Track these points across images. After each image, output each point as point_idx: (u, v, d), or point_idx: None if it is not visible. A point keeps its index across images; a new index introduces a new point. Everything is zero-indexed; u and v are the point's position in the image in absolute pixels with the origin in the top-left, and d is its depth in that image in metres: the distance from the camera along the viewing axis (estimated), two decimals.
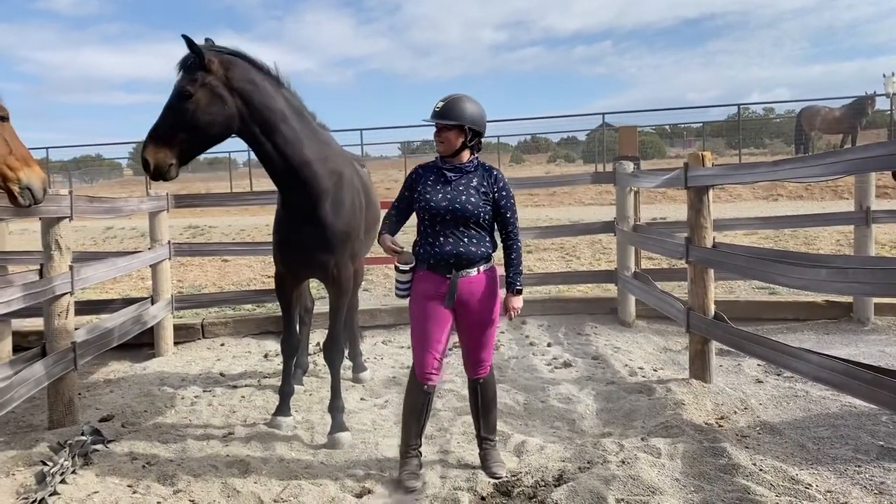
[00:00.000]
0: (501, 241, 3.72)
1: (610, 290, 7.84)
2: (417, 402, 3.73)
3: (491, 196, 3.62)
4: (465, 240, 3.58)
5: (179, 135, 3.88)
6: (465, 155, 3.65)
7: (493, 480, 3.67)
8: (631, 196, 7.32)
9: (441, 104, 3.58)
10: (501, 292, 3.72)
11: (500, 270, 3.73)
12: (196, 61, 3.90)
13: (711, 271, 5.13)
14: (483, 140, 3.77)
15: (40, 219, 4.72)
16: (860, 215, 6.87)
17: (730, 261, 4.85)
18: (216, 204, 8.73)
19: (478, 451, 3.91)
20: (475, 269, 3.62)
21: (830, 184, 16.65)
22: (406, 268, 3.65)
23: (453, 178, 3.62)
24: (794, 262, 4.30)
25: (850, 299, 6.85)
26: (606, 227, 7.69)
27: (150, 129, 3.91)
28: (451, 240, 3.57)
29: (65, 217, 4.80)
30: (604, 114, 24.17)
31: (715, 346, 5.17)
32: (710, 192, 5.14)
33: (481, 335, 3.71)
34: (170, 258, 6.93)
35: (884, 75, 20.31)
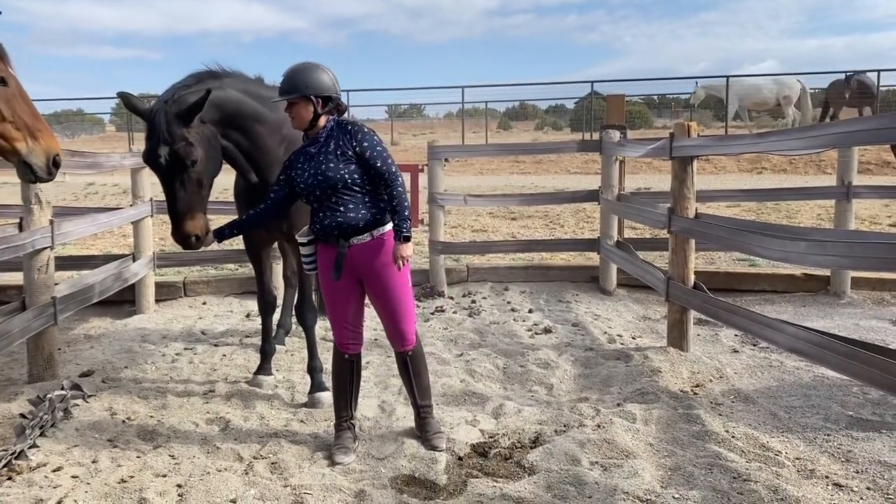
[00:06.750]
0: (384, 193, 3.53)
1: (592, 258, 7.88)
2: (342, 372, 3.73)
3: (352, 153, 3.45)
4: (342, 208, 3.45)
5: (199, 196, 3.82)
6: (322, 122, 3.54)
7: (436, 449, 3.62)
8: (616, 165, 7.33)
9: (282, 79, 3.49)
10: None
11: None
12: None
13: (693, 242, 5.16)
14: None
15: None
16: (841, 190, 6.93)
17: (711, 232, 4.89)
18: None
19: (415, 420, 3.84)
20: (367, 234, 3.50)
21: (814, 158, 16.74)
22: (305, 240, 3.62)
23: (314, 151, 3.52)
24: (775, 234, 4.34)
25: (827, 273, 6.94)
26: (591, 196, 7.71)
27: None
28: (328, 213, 3.47)
29: None
30: (592, 82, 24.10)
31: (693, 315, 5.24)
32: (695, 163, 5.15)
33: (391, 303, 3.59)
34: (152, 215, 6.87)
35: (696, 83, 21.23)
